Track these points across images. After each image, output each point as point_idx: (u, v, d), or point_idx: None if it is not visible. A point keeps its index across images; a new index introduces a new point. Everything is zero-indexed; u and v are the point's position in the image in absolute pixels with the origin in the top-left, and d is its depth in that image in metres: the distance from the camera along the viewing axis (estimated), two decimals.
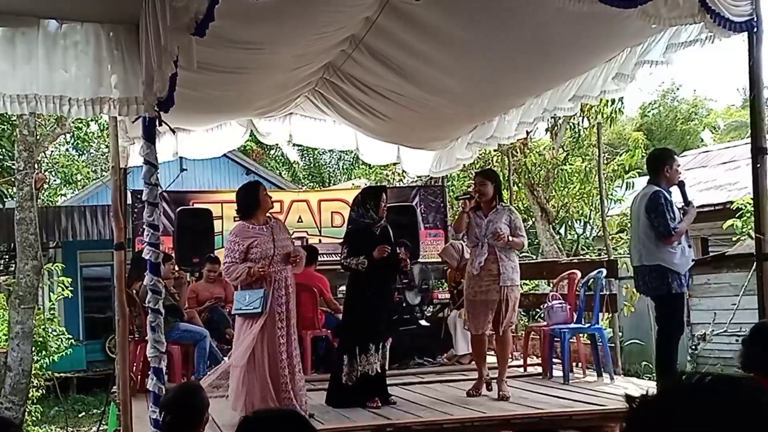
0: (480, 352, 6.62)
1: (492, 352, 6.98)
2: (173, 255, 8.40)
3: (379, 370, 6.17)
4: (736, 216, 11.42)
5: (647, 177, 6.10)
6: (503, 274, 6.24)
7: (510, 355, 6.85)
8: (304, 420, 2.04)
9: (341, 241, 6.53)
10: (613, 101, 11.31)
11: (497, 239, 6.23)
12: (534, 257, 14.61)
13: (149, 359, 4.57)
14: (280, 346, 5.67)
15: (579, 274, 7.55)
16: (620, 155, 13.91)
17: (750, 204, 9.40)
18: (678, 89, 29.67)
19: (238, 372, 5.63)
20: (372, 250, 6.10)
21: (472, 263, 6.38)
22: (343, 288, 11.97)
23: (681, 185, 5.88)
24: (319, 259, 8.88)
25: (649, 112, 29.44)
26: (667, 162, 5.83)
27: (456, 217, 6.56)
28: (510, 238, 6.29)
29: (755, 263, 5.52)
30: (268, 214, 5.95)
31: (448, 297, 9.03)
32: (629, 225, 6.00)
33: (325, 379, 7.39)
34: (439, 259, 9.52)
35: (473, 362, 7.14)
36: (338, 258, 6.46)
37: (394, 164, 12.99)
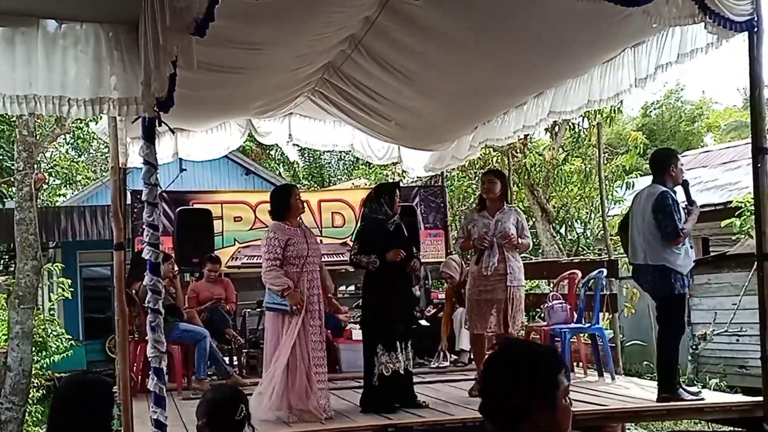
0: (481, 351, 6.60)
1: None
2: (172, 255, 8.39)
3: (403, 372, 6.01)
4: (736, 215, 11.42)
5: (644, 176, 6.10)
6: (510, 274, 6.24)
7: None
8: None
9: (353, 236, 6.47)
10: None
11: (506, 240, 6.22)
12: (534, 257, 14.60)
13: (149, 359, 4.55)
14: (315, 344, 5.83)
15: (579, 274, 7.55)
16: (619, 156, 13.89)
17: (750, 202, 9.40)
18: (682, 89, 29.55)
19: (279, 372, 5.68)
20: (385, 247, 6.00)
21: (479, 264, 6.29)
22: (342, 288, 11.99)
23: (685, 185, 5.88)
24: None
25: (651, 112, 29.33)
26: (671, 161, 5.83)
27: (458, 233, 6.51)
28: (519, 240, 6.31)
29: (756, 263, 5.52)
30: (298, 219, 6.11)
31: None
32: (630, 222, 5.95)
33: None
34: (440, 260, 9.52)
35: (474, 362, 7.14)
36: (348, 256, 6.38)
37: (394, 164, 12.98)
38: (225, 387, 3.75)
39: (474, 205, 6.45)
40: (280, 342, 5.76)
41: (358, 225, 6.43)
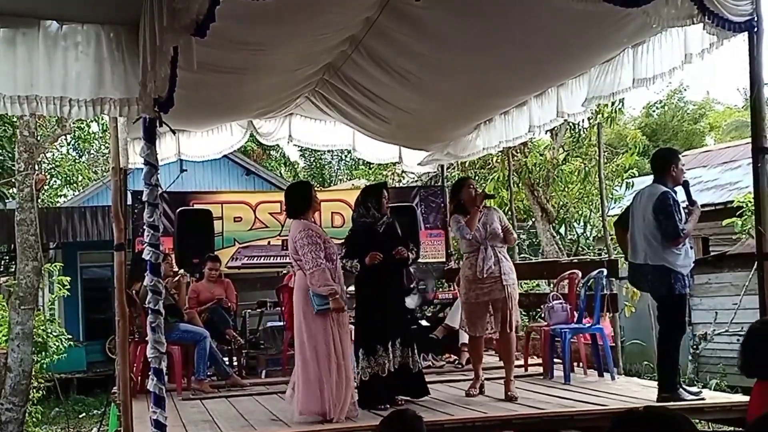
0: (479, 353, 6.70)
1: (491, 352, 7.02)
2: (170, 254, 8.39)
3: (393, 369, 6.07)
4: (737, 214, 11.41)
5: (642, 176, 6.09)
6: (505, 274, 6.33)
7: (516, 356, 6.86)
8: None
9: (342, 241, 6.49)
10: (613, 102, 11.30)
11: (503, 234, 6.38)
12: (534, 257, 14.61)
13: (149, 360, 4.56)
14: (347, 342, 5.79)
15: (579, 274, 7.55)
16: (620, 156, 13.89)
17: (751, 202, 9.40)
18: (685, 89, 29.50)
19: (323, 371, 5.59)
20: (374, 249, 6.08)
21: (474, 267, 6.34)
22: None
23: (685, 185, 5.87)
24: None
25: (653, 111, 29.28)
26: (673, 161, 5.83)
27: (455, 228, 6.55)
28: (509, 235, 6.49)
29: (756, 263, 5.52)
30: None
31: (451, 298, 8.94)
32: (630, 221, 5.95)
33: None
34: (441, 260, 9.52)
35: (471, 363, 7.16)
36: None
37: (394, 164, 13.01)
38: None
39: (451, 210, 6.54)
40: (327, 342, 5.62)
41: (348, 230, 6.47)
